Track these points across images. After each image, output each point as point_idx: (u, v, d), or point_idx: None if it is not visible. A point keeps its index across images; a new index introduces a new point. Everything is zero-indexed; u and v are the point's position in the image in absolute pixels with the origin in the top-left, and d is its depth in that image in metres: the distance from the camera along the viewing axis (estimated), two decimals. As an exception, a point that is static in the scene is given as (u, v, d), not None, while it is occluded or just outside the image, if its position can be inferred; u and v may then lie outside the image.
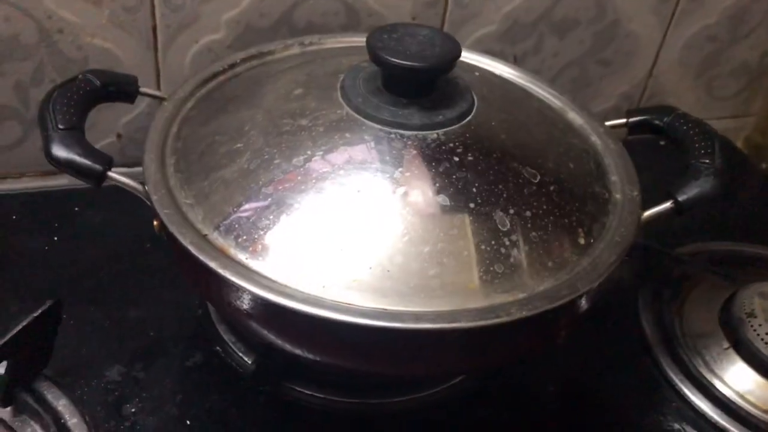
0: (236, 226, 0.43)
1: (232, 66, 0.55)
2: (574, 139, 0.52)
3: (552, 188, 0.46)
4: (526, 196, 0.44)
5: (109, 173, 0.45)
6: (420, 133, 0.45)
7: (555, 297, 0.41)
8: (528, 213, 0.44)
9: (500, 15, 0.71)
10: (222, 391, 0.52)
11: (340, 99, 0.47)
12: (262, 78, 0.53)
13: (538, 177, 0.46)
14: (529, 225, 0.43)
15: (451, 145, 0.45)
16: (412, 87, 0.46)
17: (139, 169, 0.46)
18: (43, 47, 0.62)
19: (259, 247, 0.42)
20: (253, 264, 0.41)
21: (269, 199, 0.43)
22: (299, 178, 0.43)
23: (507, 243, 0.42)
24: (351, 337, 0.41)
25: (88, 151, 0.45)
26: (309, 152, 0.44)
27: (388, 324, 0.39)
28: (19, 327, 0.46)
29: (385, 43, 0.45)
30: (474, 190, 0.43)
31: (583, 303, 0.44)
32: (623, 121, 0.55)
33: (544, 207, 0.44)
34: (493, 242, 0.42)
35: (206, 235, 0.43)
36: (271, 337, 0.43)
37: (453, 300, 0.40)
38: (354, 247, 0.41)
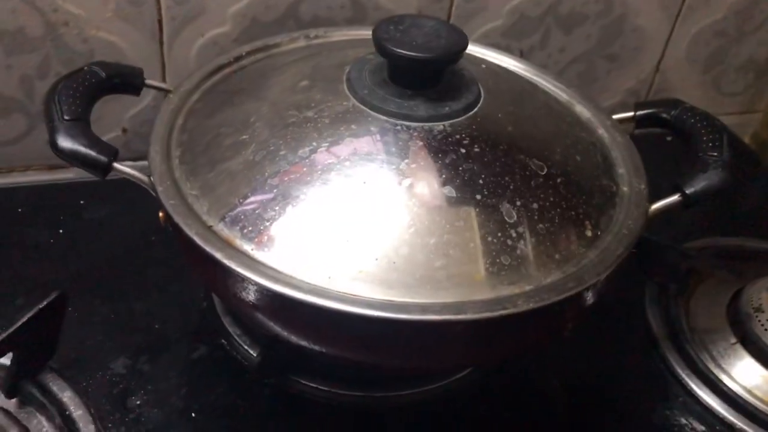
0: (242, 217, 0.42)
1: (238, 59, 0.55)
2: (581, 132, 0.52)
3: (559, 180, 0.45)
4: (533, 188, 0.44)
5: (115, 164, 0.45)
6: (426, 124, 0.45)
7: (562, 289, 0.41)
8: (535, 205, 0.44)
9: (506, 9, 0.70)
10: (227, 384, 0.52)
11: (346, 91, 0.46)
12: (267, 70, 0.53)
13: (545, 169, 0.45)
14: (536, 217, 0.43)
15: (458, 136, 0.44)
16: (418, 78, 0.46)
17: (144, 162, 0.46)
18: (48, 40, 0.62)
19: (265, 238, 0.42)
20: (259, 255, 0.41)
21: (275, 191, 0.43)
22: (305, 169, 0.43)
23: (514, 235, 0.42)
24: (357, 329, 0.40)
25: (93, 142, 0.45)
26: (315, 144, 0.44)
27: (394, 315, 0.39)
28: (24, 319, 0.46)
29: (391, 35, 0.45)
30: (480, 181, 0.43)
31: (591, 295, 0.44)
32: (630, 114, 0.55)
33: (551, 199, 0.44)
34: (499, 234, 0.42)
35: (211, 226, 0.42)
36: (277, 329, 0.43)
37: (459, 291, 0.40)
38: (360, 238, 0.41)
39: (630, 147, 0.52)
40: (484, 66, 0.54)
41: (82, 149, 0.45)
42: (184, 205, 0.43)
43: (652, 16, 0.76)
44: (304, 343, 0.43)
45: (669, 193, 0.49)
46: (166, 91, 0.52)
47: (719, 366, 0.56)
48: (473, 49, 0.56)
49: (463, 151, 0.44)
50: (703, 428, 0.54)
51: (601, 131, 0.53)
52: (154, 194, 0.44)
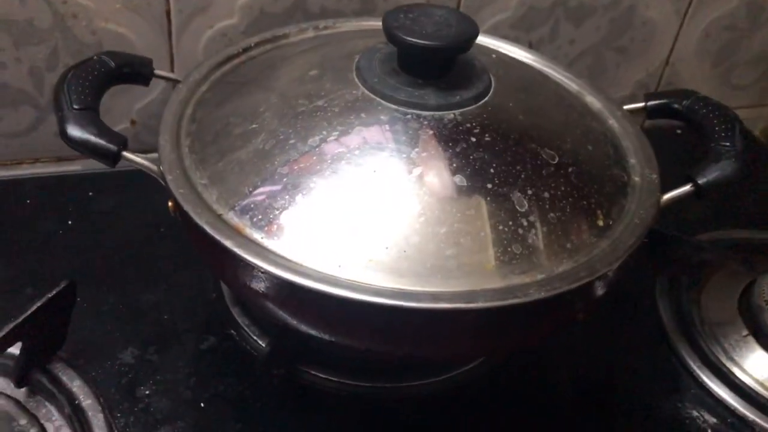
0: (251, 206, 0.42)
1: (247, 49, 0.55)
2: (593, 122, 0.51)
3: (570, 170, 0.45)
4: (544, 177, 0.44)
5: (124, 153, 0.45)
6: (436, 113, 0.44)
7: (573, 278, 0.41)
8: (546, 194, 0.43)
9: (515, 1, 0.70)
10: (236, 375, 0.52)
11: (356, 80, 0.46)
12: (276, 61, 0.52)
13: (557, 158, 0.45)
14: (547, 206, 0.43)
15: (468, 125, 0.44)
16: (429, 67, 0.46)
17: (154, 155, 0.46)
18: (57, 32, 0.62)
19: (275, 226, 0.41)
20: (269, 243, 0.41)
21: (285, 180, 0.43)
22: (315, 158, 0.43)
23: (525, 224, 0.42)
24: (367, 317, 0.40)
25: (102, 130, 0.45)
26: (324, 133, 0.44)
27: (405, 303, 0.38)
28: (33, 308, 0.46)
29: (401, 23, 0.45)
30: (491, 170, 0.43)
31: (602, 285, 0.43)
32: (642, 104, 0.54)
33: (563, 188, 0.44)
34: (510, 223, 0.42)
35: (221, 215, 0.42)
36: (286, 318, 0.43)
37: (470, 280, 0.40)
38: (370, 227, 0.41)
39: (641, 137, 0.51)
40: (494, 56, 0.53)
41: (92, 138, 0.45)
42: (194, 193, 0.43)
43: (662, 9, 0.75)
44: (313, 332, 0.43)
45: (681, 184, 0.48)
46: (175, 81, 0.52)
47: (731, 358, 0.56)
48: (483, 40, 0.55)
49: (474, 140, 0.44)
50: (714, 421, 0.53)
51: (612, 121, 0.53)
52: (163, 183, 0.44)
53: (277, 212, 0.42)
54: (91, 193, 0.64)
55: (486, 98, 0.46)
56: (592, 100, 0.54)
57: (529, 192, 0.43)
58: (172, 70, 0.66)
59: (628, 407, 0.54)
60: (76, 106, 0.46)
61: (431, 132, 0.44)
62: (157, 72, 0.52)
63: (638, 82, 0.80)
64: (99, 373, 0.51)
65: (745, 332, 0.57)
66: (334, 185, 0.42)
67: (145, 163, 0.45)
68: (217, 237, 0.40)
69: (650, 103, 0.54)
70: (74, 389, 0.48)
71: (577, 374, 0.56)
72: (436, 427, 0.52)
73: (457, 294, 0.39)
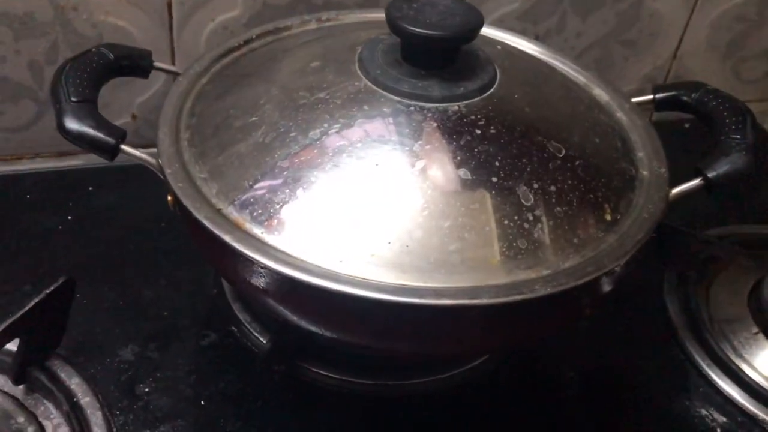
0: (252, 200, 0.41)
1: (248, 41, 0.54)
2: (600, 115, 0.50)
3: (577, 163, 0.44)
4: (550, 170, 0.43)
5: (123, 146, 0.44)
6: (440, 105, 0.43)
7: (580, 274, 0.40)
8: (552, 188, 0.42)
9: (522, -7, 0.69)
10: (237, 372, 0.51)
11: (358, 71, 0.45)
12: (278, 53, 0.52)
13: (563, 151, 0.44)
14: (553, 200, 0.42)
15: (473, 117, 0.43)
16: (433, 58, 0.45)
17: (154, 149, 0.45)
18: (57, 25, 0.61)
19: (275, 221, 0.41)
20: (269, 238, 0.40)
21: (285, 173, 0.42)
22: (316, 151, 0.42)
23: (530, 218, 0.41)
24: (369, 314, 0.39)
25: (101, 123, 0.45)
26: (326, 125, 0.43)
27: (408, 300, 0.38)
28: (31, 304, 0.45)
29: (404, 13, 0.44)
30: (496, 163, 0.42)
31: (609, 281, 0.42)
32: (650, 97, 0.54)
33: (570, 182, 0.43)
34: (516, 217, 0.41)
35: (221, 209, 0.42)
36: (287, 314, 0.42)
37: (474, 276, 0.39)
38: (372, 221, 0.40)
39: (650, 130, 0.50)
40: (499, 47, 0.52)
41: (90, 131, 0.44)
42: (193, 188, 0.42)
43: (670, 1, 0.74)
44: (314, 328, 0.42)
45: (690, 178, 0.47)
46: (175, 74, 0.52)
47: (740, 356, 0.55)
48: (488, 32, 0.55)
49: (479, 132, 0.43)
50: (724, 419, 0.52)
51: (619, 114, 0.52)
52: (162, 177, 0.44)
53: (277, 206, 0.41)
54: (91, 188, 0.64)
55: (491, 90, 0.45)
56: (600, 93, 0.53)
57: (535, 186, 0.42)
58: (174, 64, 0.65)
59: (636, 405, 0.54)
60: (74, 99, 0.45)
61: (435, 124, 0.43)
62: (157, 64, 0.52)
63: (646, 76, 0.79)
64: (98, 371, 0.50)
65: (754, 329, 0.56)
66: (335, 179, 0.41)
67: (144, 156, 0.45)
68: (217, 232, 0.40)
69: (659, 95, 0.53)
70: (73, 387, 0.48)
71: (583, 371, 0.55)
72: (439, 425, 0.51)
73: (461, 290, 0.38)
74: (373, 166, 0.41)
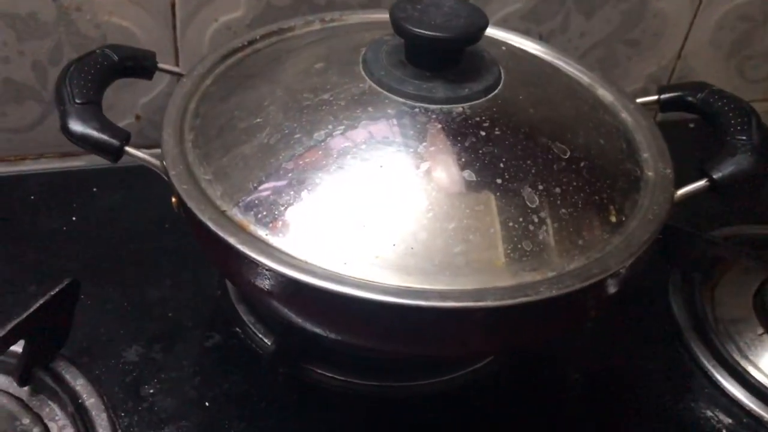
0: (256, 202, 0.41)
1: (252, 42, 0.54)
2: (605, 116, 0.50)
3: (582, 164, 0.44)
4: (555, 172, 0.43)
5: (127, 148, 0.44)
6: (445, 106, 0.43)
7: (586, 276, 0.40)
8: (557, 189, 0.42)
9: (526, -8, 0.69)
10: (241, 373, 0.51)
11: (363, 72, 0.45)
12: (282, 54, 0.52)
13: (568, 153, 0.44)
14: (558, 202, 0.42)
15: (477, 119, 0.43)
16: (437, 59, 0.45)
17: (158, 150, 0.45)
18: (61, 25, 0.61)
19: (280, 223, 0.41)
20: (274, 240, 0.40)
21: (290, 175, 0.42)
22: (320, 153, 0.42)
23: (535, 220, 0.41)
24: (373, 316, 0.39)
25: (105, 125, 0.44)
26: (330, 127, 0.43)
27: (412, 302, 0.38)
28: (36, 305, 0.45)
29: (408, 14, 0.43)
30: (501, 165, 0.42)
31: (615, 283, 0.42)
32: (655, 98, 0.53)
33: (574, 183, 0.43)
34: (520, 219, 0.41)
35: (225, 211, 0.42)
36: (292, 316, 0.42)
37: (479, 278, 0.39)
38: (377, 223, 0.40)
39: (654, 131, 0.50)
40: (504, 48, 0.52)
41: (94, 133, 0.44)
42: (198, 189, 0.42)
43: (675, 0, 0.74)
44: (319, 330, 0.42)
45: (695, 179, 0.47)
46: (179, 75, 0.52)
47: (746, 357, 0.55)
48: (492, 32, 0.54)
49: (483, 133, 0.43)
50: (729, 421, 0.52)
51: (624, 115, 0.51)
52: (166, 179, 0.43)
53: (282, 208, 0.41)
54: (95, 189, 0.64)
55: (496, 91, 0.45)
56: (604, 93, 0.53)
57: (540, 187, 0.42)
58: (177, 64, 0.65)
59: (641, 407, 0.53)
60: (78, 101, 0.45)
61: (439, 126, 0.43)
62: (161, 65, 0.52)
63: (650, 76, 0.79)
64: (103, 372, 0.50)
65: (760, 330, 0.56)
66: (340, 181, 0.41)
67: (148, 158, 0.45)
68: (221, 234, 0.40)
69: (663, 96, 0.53)
70: (78, 388, 0.48)
71: (588, 372, 0.55)
72: (443, 426, 0.51)
73: (465, 292, 0.38)
74: (377, 167, 0.41)
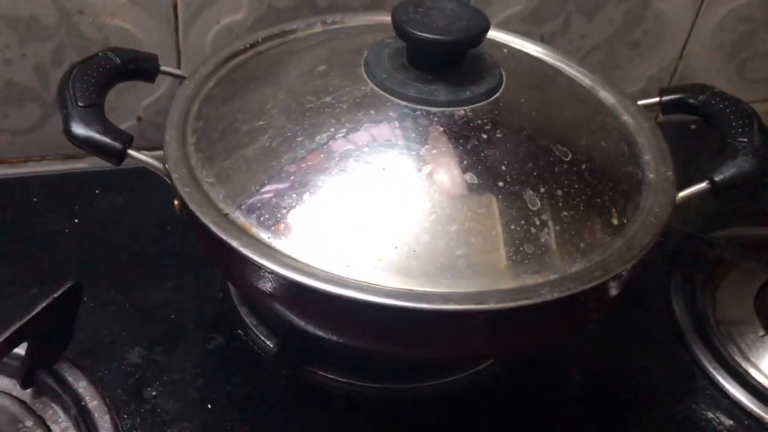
0: (258, 205, 0.41)
1: (254, 45, 0.54)
2: (606, 118, 0.50)
3: (584, 167, 0.44)
4: (557, 174, 0.43)
5: (129, 151, 0.44)
6: (447, 109, 0.43)
7: (587, 278, 0.40)
8: (559, 192, 0.42)
9: (527, -6, 0.69)
10: (243, 375, 0.51)
11: (364, 75, 0.45)
12: (284, 56, 0.52)
13: (570, 155, 0.44)
14: (560, 204, 0.42)
15: (479, 121, 0.43)
16: (439, 62, 0.45)
17: (160, 152, 0.45)
18: (63, 28, 0.61)
19: (282, 226, 0.41)
20: (276, 243, 0.40)
21: (292, 178, 0.42)
22: (323, 156, 0.42)
23: (537, 222, 0.41)
24: (375, 318, 0.39)
25: (107, 128, 0.45)
26: (332, 130, 0.43)
27: (415, 305, 0.38)
28: (39, 308, 0.45)
29: (410, 17, 0.44)
30: (503, 168, 0.42)
31: (617, 285, 0.42)
32: (656, 100, 0.53)
33: (576, 186, 0.43)
34: (522, 222, 0.41)
35: (227, 214, 0.42)
36: (294, 318, 0.42)
37: (481, 280, 0.39)
38: (379, 226, 0.40)
39: (656, 133, 0.50)
40: (505, 50, 0.52)
41: (96, 136, 0.44)
42: (200, 192, 0.43)
43: (676, 2, 0.74)
44: (321, 333, 0.42)
45: (697, 181, 0.47)
46: (181, 78, 0.52)
47: (747, 359, 0.55)
48: (494, 35, 0.54)
49: (485, 136, 0.43)
50: (730, 422, 0.52)
51: (626, 117, 0.52)
52: (169, 182, 0.44)
53: (284, 211, 0.41)
54: (97, 191, 0.64)
55: (497, 94, 0.45)
56: (606, 95, 0.53)
57: (542, 190, 0.42)
58: (179, 67, 0.65)
59: (642, 408, 0.53)
60: (80, 104, 0.45)
61: (441, 129, 0.43)
62: (163, 68, 0.52)
63: (651, 77, 0.79)
64: (105, 374, 0.50)
65: (761, 332, 0.56)
66: (342, 183, 0.41)
67: (151, 161, 0.45)
68: (223, 237, 0.40)
69: (665, 98, 0.53)
70: (80, 390, 0.48)
71: (589, 374, 0.55)
72: (445, 428, 0.51)
73: (467, 295, 0.38)
74: (379, 170, 0.41)
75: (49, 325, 0.46)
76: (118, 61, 0.49)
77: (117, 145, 0.44)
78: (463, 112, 0.43)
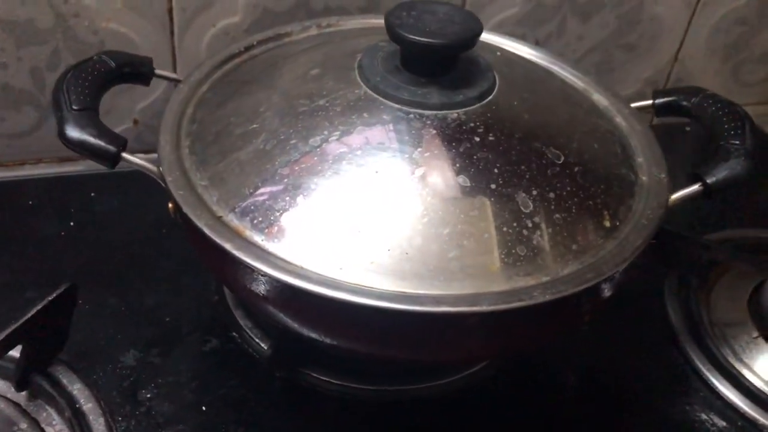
0: (252, 207, 0.42)
1: (249, 48, 0.54)
2: (599, 120, 0.50)
3: (576, 169, 0.44)
4: (549, 177, 0.43)
5: (124, 154, 0.44)
6: (440, 112, 0.44)
7: (580, 280, 0.40)
8: (551, 194, 0.42)
9: (522, -3, 0.69)
10: (238, 377, 0.51)
11: (358, 78, 0.46)
12: (278, 59, 0.52)
13: (562, 158, 0.44)
14: (552, 207, 0.42)
15: (472, 124, 0.43)
16: (432, 65, 0.45)
17: (155, 156, 0.45)
18: (59, 32, 0.61)
19: (275, 228, 0.41)
20: (269, 246, 0.40)
21: (286, 181, 0.42)
22: (316, 159, 0.42)
23: (530, 225, 0.41)
24: (368, 321, 0.40)
25: (102, 131, 0.45)
26: (326, 133, 0.43)
27: (407, 307, 0.38)
28: (34, 311, 0.45)
29: (403, 20, 0.44)
30: (495, 170, 0.42)
31: (609, 287, 0.43)
32: (649, 102, 0.54)
33: (568, 188, 0.43)
34: (515, 224, 0.41)
35: (221, 216, 0.42)
36: (287, 321, 0.42)
37: (474, 283, 0.39)
38: (372, 228, 0.40)
39: (649, 136, 0.51)
40: (499, 53, 0.53)
41: (91, 139, 0.44)
42: (194, 195, 0.43)
43: (671, 4, 0.74)
44: (314, 335, 0.42)
45: (689, 183, 0.47)
46: (176, 81, 0.52)
47: (741, 360, 0.55)
48: (488, 37, 0.55)
49: (478, 139, 0.43)
50: (724, 424, 0.52)
51: (619, 119, 0.52)
52: (163, 185, 0.44)
53: (277, 214, 0.41)
54: (93, 194, 0.64)
55: (490, 97, 0.45)
56: (599, 98, 0.53)
57: (534, 192, 0.42)
58: (175, 70, 0.65)
59: (636, 410, 0.54)
60: (75, 107, 0.45)
61: (434, 132, 0.43)
62: (158, 72, 0.52)
63: (646, 79, 0.79)
64: (100, 377, 0.50)
65: (755, 334, 0.56)
66: (335, 186, 0.41)
67: (145, 164, 0.45)
68: (217, 240, 0.40)
69: (658, 100, 0.53)
70: (75, 393, 0.48)
71: (584, 376, 0.55)
72: (439, 430, 0.51)
73: (460, 297, 0.39)
74: (372, 173, 0.42)
75: (44, 328, 0.46)
76: (113, 64, 0.49)
77: (111, 148, 0.44)
78: (456, 115, 0.44)
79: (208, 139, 0.46)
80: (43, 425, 0.47)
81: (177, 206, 0.42)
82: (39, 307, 0.46)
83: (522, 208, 0.41)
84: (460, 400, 0.52)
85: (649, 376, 0.55)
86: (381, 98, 0.44)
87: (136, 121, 0.68)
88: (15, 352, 0.47)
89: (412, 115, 0.43)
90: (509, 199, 0.41)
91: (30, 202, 0.63)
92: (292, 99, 0.46)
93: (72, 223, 0.61)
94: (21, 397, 0.48)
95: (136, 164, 0.45)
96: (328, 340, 0.42)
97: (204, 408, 0.50)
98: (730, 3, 0.76)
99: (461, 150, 0.42)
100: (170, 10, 0.62)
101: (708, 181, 0.47)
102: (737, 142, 0.48)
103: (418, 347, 0.42)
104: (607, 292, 0.43)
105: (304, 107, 0.45)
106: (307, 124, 0.44)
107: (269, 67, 0.51)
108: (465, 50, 0.45)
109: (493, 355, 0.51)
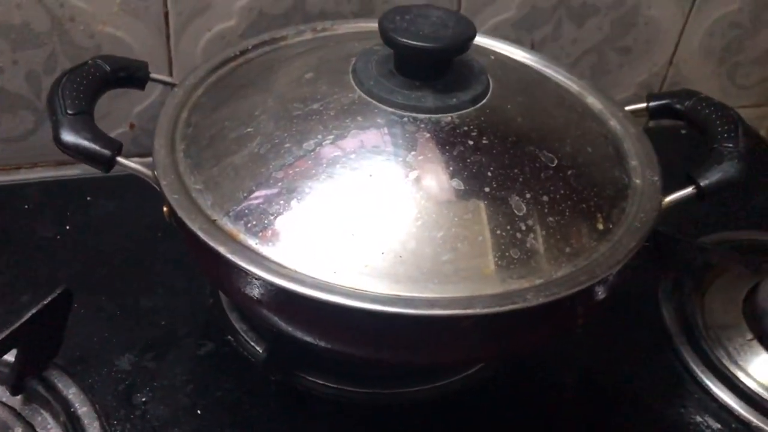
0: (246, 211, 0.42)
1: (244, 52, 0.54)
2: (593, 124, 0.51)
3: (570, 172, 0.44)
4: (543, 180, 0.43)
5: (119, 158, 0.45)
6: (433, 116, 0.44)
7: (573, 283, 0.40)
8: (545, 197, 0.43)
9: (518, 0, 0.69)
10: (233, 381, 0.52)
11: (352, 82, 0.46)
12: (273, 63, 0.52)
13: (556, 161, 0.44)
14: (546, 210, 0.42)
15: (466, 128, 0.44)
16: (426, 69, 0.45)
17: (150, 159, 0.45)
18: (55, 35, 0.61)
19: (270, 232, 0.41)
20: (263, 249, 0.40)
21: (280, 184, 0.42)
22: (310, 162, 0.42)
23: (523, 228, 0.41)
24: (362, 324, 0.40)
25: (97, 136, 0.45)
26: (320, 136, 0.43)
27: (401, 310, 0.38)
28: (29, 315, 0.45)
29: (397, 25, 0.44)
30: (489, 174, 0.42)
31: (602, 289, 0.43)
32: (643, 105, 0.54)
33: (562, 191, 0.43)
34: (508, 227, 0.41)
35: (216, 220, 0.42)
36: (282, 324, 0.42)
37: (468, 286, 0.39)
38: (366, 232, 0.40)
39: (643, 138, 0.51)
40: (493, 57, 0.53)
41: (86, 143, 0.44)
42: (188, 199, 0.43)
43: (666, 8, 0.75)
44: (309, 339, 0.42)
45: (683, 186, 0.48)
46: (172, 85, 0.52)
47: (735, 363, 0.55)
48: (482, 41, 0.55)
49: (471, 143, 0.43)
50: (718, 426, 0.53)
51: (613, 122, 0.52)
52: (158, 189, 0.44)
53: (271, 218, 0.41)
54: (89, 198, 0.64)
55: (484, 100, 0.45)
56: (593, 101, 0.54)
57: (528, 195, 0.42)
58: (171, 74, 0.65)
59: (631, 412, 0.54)
60: (70, 111, 0.45)
61: (428, 135, 0.43)
62: (153, 75, 0.52)
63: (641, 83, 0.80)
64: (95, 380, 0.50)
65: (749, 336, 0.56)
66: (329, 190, 0.41)
67: (140, 168, 0.45)
68: (211, 243, 0.40)
69: (652, 103, 0.53)
70: (70, 397, 0.48)
71: (579, 379, 0.55)
72: (435, 433, 0.51)
73: (454, 300, 0.39)
74: (366, 176, 0.42)
75: (39, 332, 0.47)
76: (108, 68, 0.49)
77: (106, 152, 0.44)
78: (449, 118, 0.44)
79: (203, 143, 0.46)
80: (38, 429, 0.47)
81: (172, 210, 0.43)
82: (34, 311, 0.46)
83: (516, 211, 0.42)
84: (456, 403, 0.52)
85: (644, 378, 0.55)
86: (375, 102, 0.44)
87: (132, 125, 0.68)
88: (10, 356, 0.47)
89: (406, 119, 0.43)
90: (503, 202, 0.42)
91: (26, 206, 0.63)
92: (286, 103, 0.46)
93: (68, 227, 0.61)
94: (16, 401, 0.48)
95: (131, 168, 0.45)
96: (322, 344, 0.42)
97: (199, 411, 0.50)
98: (724, 7, 0.76)
99: (455, 153, 0.42)
100: (166, 14, 0.62)
101: (701, 183, 0.47)
102: (730, 145, 0.48)
103: (412, 350, 0.42)
104: (600, 294, 0.43)
105: (298, 111, 0.45)
106: (302, 128, 0.44)
107: (264, 71, 0.51)
108: (458, 54, 0.45)
109: (488, 357, 0.51)
